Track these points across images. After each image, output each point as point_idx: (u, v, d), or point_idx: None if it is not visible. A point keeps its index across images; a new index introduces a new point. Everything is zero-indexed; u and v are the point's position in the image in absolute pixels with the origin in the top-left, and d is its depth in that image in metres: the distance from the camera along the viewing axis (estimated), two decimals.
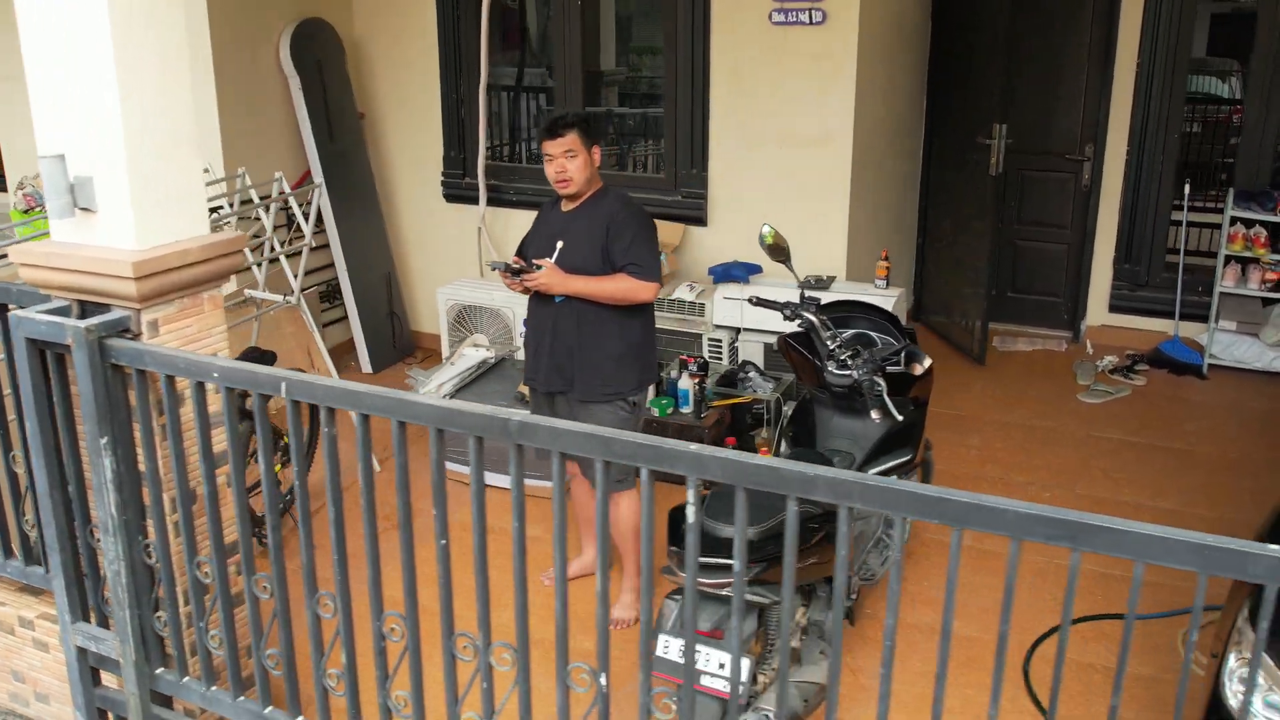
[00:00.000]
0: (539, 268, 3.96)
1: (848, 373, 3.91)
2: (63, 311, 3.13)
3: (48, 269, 3.12)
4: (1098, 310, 6.77)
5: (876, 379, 3.84)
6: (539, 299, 4.07)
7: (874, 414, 3.78)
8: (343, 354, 6.87)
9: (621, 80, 6.83)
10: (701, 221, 5.95)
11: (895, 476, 4.09)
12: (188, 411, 2.95)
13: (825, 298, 4.43)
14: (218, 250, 3.18)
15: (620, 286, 3.94)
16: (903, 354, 3.82)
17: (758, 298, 4.33)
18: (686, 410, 5.20)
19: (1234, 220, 6.03)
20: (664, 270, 5.54)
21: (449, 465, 5.41)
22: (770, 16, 5.48)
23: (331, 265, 6.64)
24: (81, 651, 3.36)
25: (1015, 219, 6.88)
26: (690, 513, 2.29)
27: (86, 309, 3.13)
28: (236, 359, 4.62)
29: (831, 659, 2.35)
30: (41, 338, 3.03)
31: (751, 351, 5.61)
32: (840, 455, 4.10)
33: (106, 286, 3.03)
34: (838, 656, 2.39)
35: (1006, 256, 6.95)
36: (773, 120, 5.65)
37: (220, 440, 2.99)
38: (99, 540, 3.14)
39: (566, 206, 4.08)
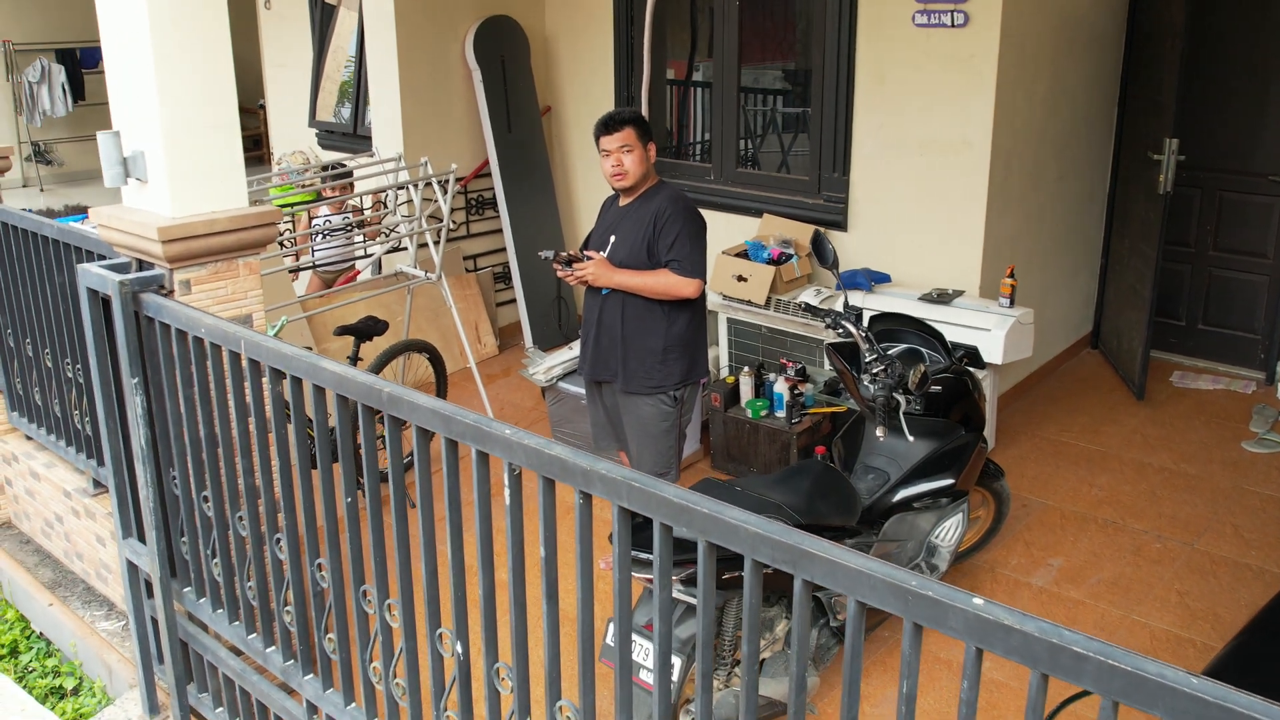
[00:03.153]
0: (589, 259, 4.08)
1: (873, 386, 3.80)
2: (124, 267, 3.59)
3: (111, 229, 3.58)
4: None
5: (895, 395, 3.70)
6: (591, 290, 4.19)
7: (878, 431, 3.64)
8: (513, 333, 7.25)
9: (776, 77, 6.78)
10: (841, 226, 5.84)
11: (938, 502, 3.93)
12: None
13: (877, 309, 4.28)
14: (248, 222, 3.53)
15: (661, 281, 4.00)
16: (916, 368, 3.65)
17: (806, 303, 4.26)
18: (781, 415, 5.15)
19: None
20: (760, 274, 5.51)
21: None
22: (913, 18, 5.30)
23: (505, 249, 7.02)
24: (132, 565, 3.82)
25: (1210, 245, 6.28)
26: (507, 495, 2.35)
27: (142, 266, 3.58)
28: (350, 325, 5.06)
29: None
30: (94, 287, 3.47)
31: None
32: (875, 473, 3.98)
33: (145, 247, 3.45)
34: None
35: (1198, 285, 6.35)
36: (914, 125, 5.46)
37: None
38: None
39: (623, 201, 4.19)
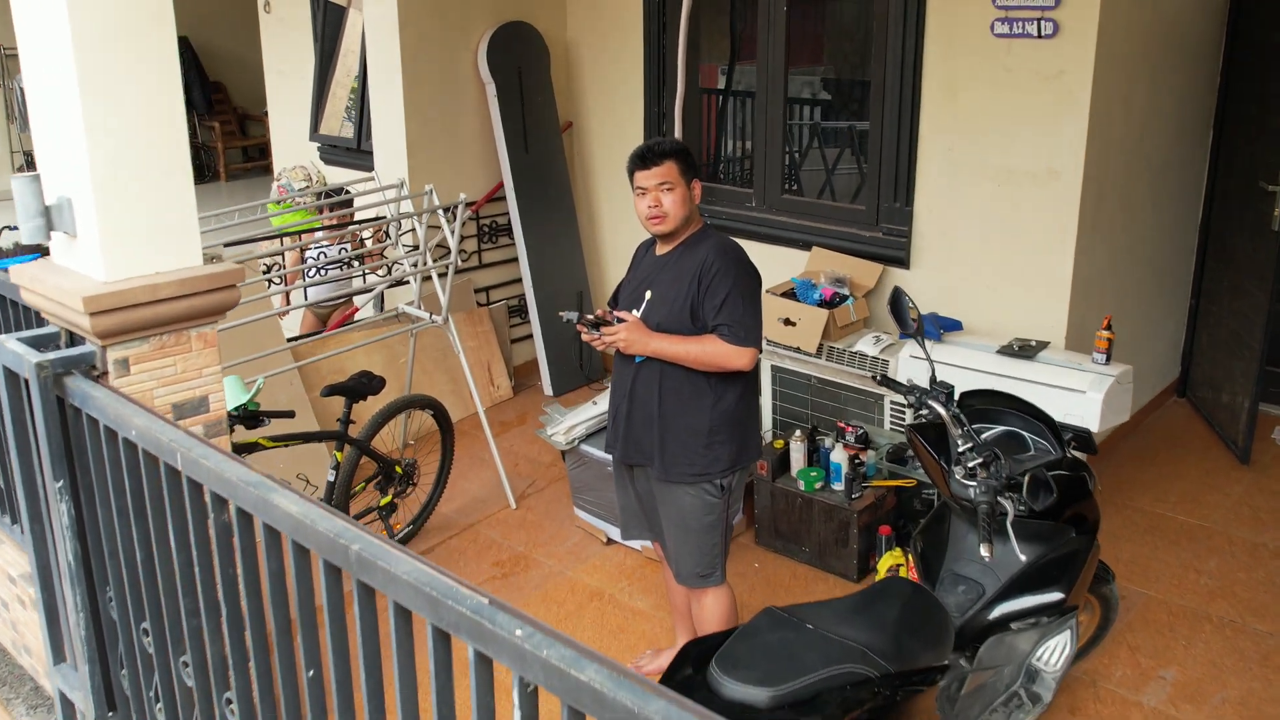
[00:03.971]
0: (619, 321, 3.40)
1: (971, 485, 3.09)
2: (50, 340, 2.92)
3: (33, 293, 2.92)
4: None
5: (1001, 500, 2.99)
6: (621, 356, 3.50)
7: (982, 549, 2.93)
8: (528, 372, 6.57)
9: (829, 91, 6.09)
10: (903, 263, 5.14)
11: (1040, 621, 3.23)
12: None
13: (947, 361, 3.58)
14: (200, 285, 2.86)
15: (707, 350, 3.30)
16: (1027, 476, 2.93)
17: (883, 375, 3.57)
18: (838, 488, 4.45)
19: None
20: (829, 327, 4.82)
21: (581, 514, 4.97)
22: (992, 27, 4.60)
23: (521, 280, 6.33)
24: (66, 697, 3.17)
25: None
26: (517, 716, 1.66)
27: (74, 339, 2.91)
28: (340, 383, 4.39)
29: None
30: (10, 367, 2.81)
31: None
32: (967, 584, 3.28)
33: (73, 318, 2.78)
34: None
35: None
36: (990, 149, 4.76)
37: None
38: None
39: (661, 249, 3.50)
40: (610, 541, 4.81)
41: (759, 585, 4.50)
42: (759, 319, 3.35)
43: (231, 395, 3.92)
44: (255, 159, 12.83)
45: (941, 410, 3.19)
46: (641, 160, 3.39)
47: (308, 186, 7.69)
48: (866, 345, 4.89)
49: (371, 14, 5.84)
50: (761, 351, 3.36)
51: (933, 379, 3.32)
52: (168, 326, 2.86)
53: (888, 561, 4.26)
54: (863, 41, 5.40)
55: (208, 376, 2.99)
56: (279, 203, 7.57)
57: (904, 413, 4.80)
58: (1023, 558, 3.11)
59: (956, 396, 3.33)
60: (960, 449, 3.15)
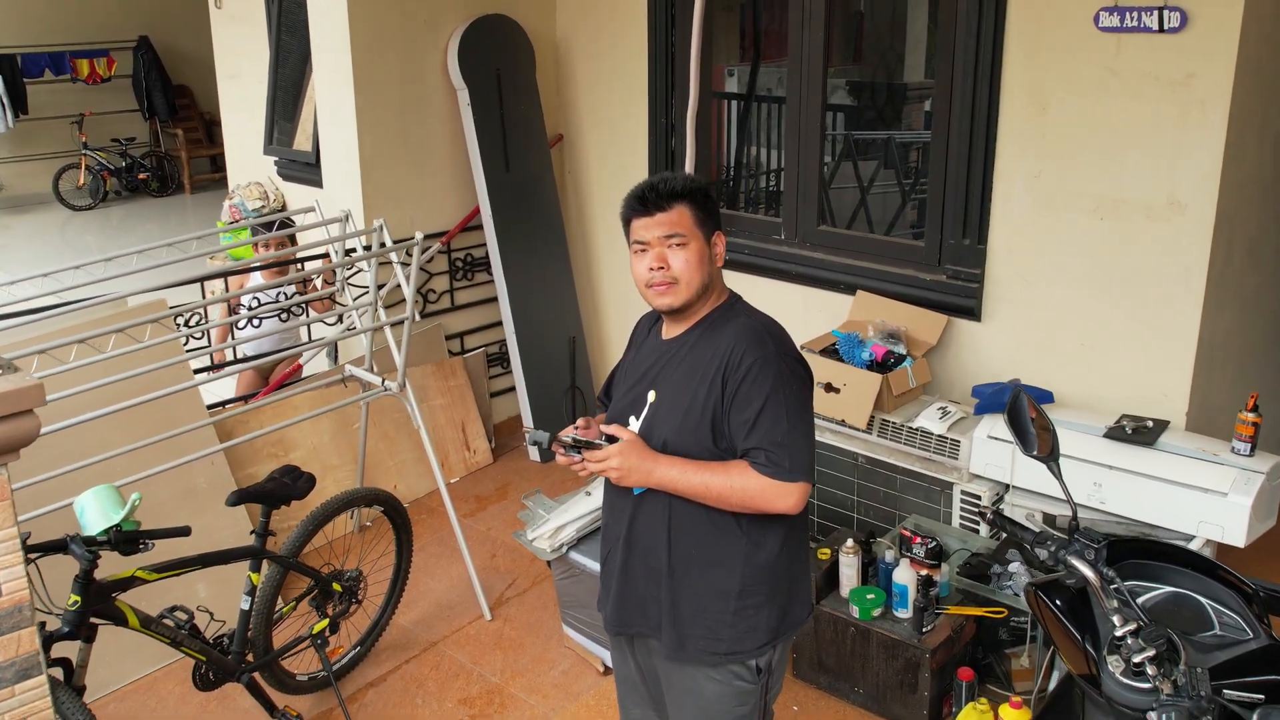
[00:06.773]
0: (608, 440, 2.37)
1: (1142, 693, 2.08)
2: None
3: None
4: None
5: None
6: (615, 486, 2.48)
7: None
8: (511, 430, 5.56)
9: (878, 100, 5.06)
10: (973, 314, 4.13)
11: None
12: None
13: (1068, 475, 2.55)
14: None
15: (735, 486, 2.28)
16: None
17: (995, 510, 2.54)
18: (903, 615, 3.43)
19: None
20: (863, 412, 3.84)
21: (571, 633, 3.98)
22: (1096, 19, 3.59)
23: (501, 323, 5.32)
24: None
25: None
26: None
27: None
28: (253, 488, 3.42)
29: None
30: None
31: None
32: None
33: None
34: None
35: None
36: (1090, 175, 3.75)
37: None
38: None
39: (670, 331, 2.48)
40: (608, 670, 3.80)
41: None
42: (810, 439, 2.32)
43: (100, 513, 2.92)
44: (224, 169, 11.83)
45: (1089, 573, 2.17)
46: (640, 203, 2.39)
47: (263, 207, 6.73)
48: (930, 420, 3.88)
49: (316, 4, 4.83)
50: (814, 485, 2.34)
51: (1074, 523, 2.30)
52: None
53: (970, 717, 3.26)
54: (924, 40, 4.38)
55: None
56: (231, 223, 6.62)
57: (979, 504, 3.78)
58: None
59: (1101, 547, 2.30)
60: (1119, 631, 2.13)
